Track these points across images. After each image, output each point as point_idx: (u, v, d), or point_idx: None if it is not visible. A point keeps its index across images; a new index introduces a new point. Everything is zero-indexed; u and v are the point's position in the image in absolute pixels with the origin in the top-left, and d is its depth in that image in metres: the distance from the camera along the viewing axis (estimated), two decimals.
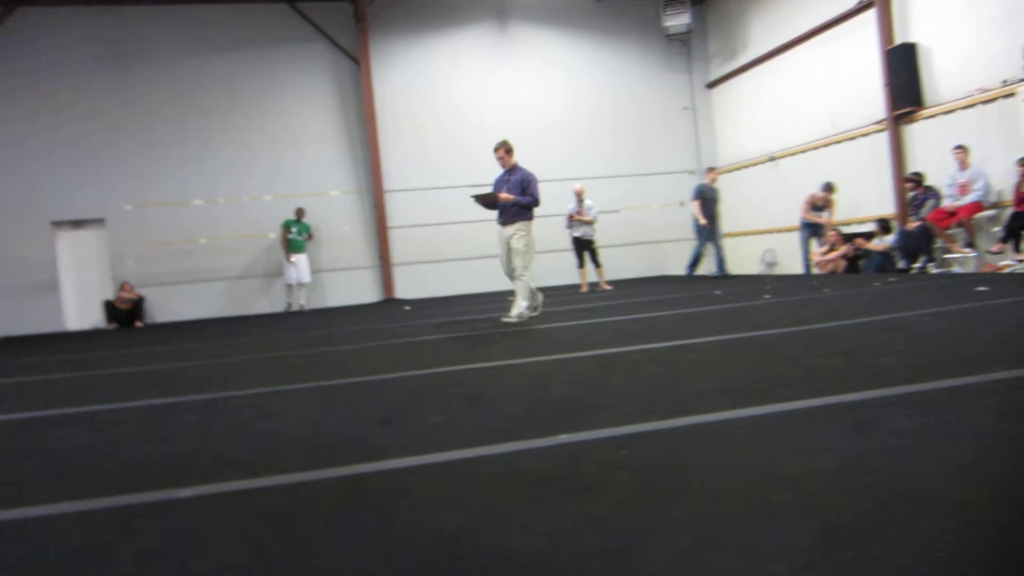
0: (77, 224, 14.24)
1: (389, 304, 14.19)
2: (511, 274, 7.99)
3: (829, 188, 12.31)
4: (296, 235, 14.35)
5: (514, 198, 7.76)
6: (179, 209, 14.49)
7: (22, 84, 13.87)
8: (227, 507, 2.32)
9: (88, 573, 1.85)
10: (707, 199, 12.96)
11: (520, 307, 7.87)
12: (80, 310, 14.23)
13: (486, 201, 7.89)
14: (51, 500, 2.48)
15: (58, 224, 14.10)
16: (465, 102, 15.66)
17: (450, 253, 15.35)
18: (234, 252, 14.70)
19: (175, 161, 14.49)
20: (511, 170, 7.95)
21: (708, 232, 12.97)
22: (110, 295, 13.98)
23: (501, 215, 7.96)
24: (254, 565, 1.83)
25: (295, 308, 14.36)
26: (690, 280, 13.21)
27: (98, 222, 14.26)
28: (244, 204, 14.55)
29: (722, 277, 13.05)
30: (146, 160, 14.35)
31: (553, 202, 14.15)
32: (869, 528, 1.72)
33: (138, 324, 13.76)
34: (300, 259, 14.34)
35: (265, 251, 14.71)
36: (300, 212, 14.56)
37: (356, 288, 15.19)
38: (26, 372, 7.00)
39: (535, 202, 7.84)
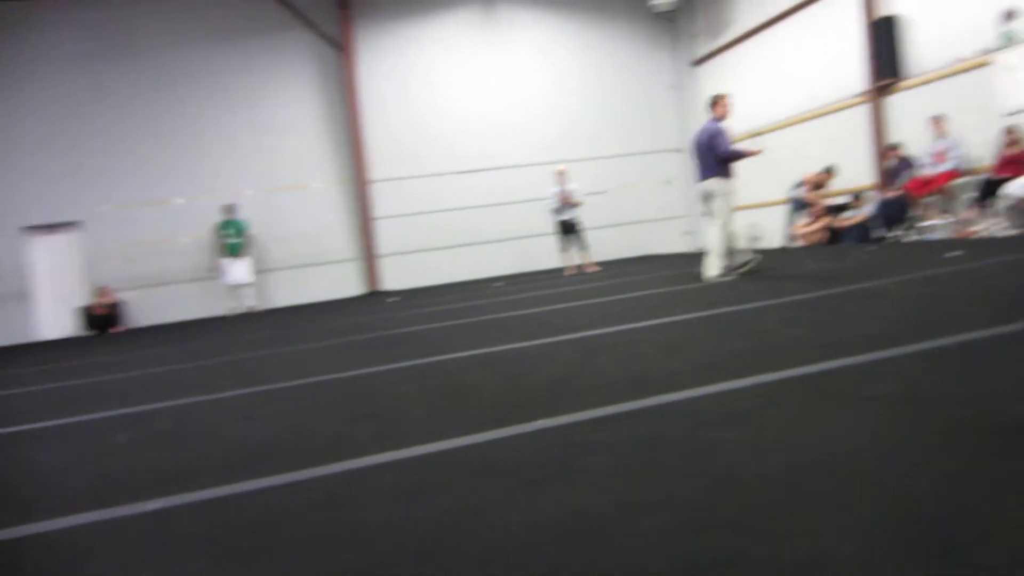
0: (51, 228, 13.95)
1: (373, 297, 14.08)
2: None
3: (830, 172, 12.39)
4: (234, 236, 13.59)
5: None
6: (160, 208, 14.21)
7: None
8: (197, 517, 2.25)
9: None
10: None
11: (713, 265, 7.83)
12: (55, 318, 13.89)
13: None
14: (12, 523, 2.38)
15: (30, 229, 13.79)
16: (452, 87, 15.42)
17: (438, 242, 15.17)
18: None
19: (154, 158, 14.09)
20: None
21: None
22: (87, 301, 13.71)
23: None
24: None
25: (239, 311, 13.54)
26: (674, 259, 13.15)
27: (74, 225, 14.00)
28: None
29: None
30: (123, 159, 13.96)
31: (540, 186, 14.16)
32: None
33: (116, 330, 13.40)
34: (237, 262, 13.59)
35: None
36: (229, 209, 13.74)
37: (340, 282, 14.92)
38: None
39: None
